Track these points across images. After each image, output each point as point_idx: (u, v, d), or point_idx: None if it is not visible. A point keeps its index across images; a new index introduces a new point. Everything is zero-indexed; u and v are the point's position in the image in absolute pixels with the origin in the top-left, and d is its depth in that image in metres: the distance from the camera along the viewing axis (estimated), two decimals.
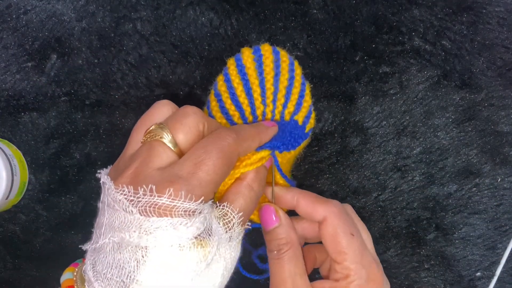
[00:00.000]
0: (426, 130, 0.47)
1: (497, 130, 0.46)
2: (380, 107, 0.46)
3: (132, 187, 0.25)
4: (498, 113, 0.46)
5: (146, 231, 0.24)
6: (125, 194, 0.25)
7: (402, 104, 0.47)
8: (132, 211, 0.24)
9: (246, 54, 0.36)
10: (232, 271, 0.29)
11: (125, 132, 0.47)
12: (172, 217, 0.24)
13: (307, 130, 0.37)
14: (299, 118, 0.37)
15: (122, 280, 0.24)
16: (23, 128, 0.46)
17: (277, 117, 0.36)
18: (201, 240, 0.25)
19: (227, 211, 0.29)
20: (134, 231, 0.24)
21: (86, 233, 0.47)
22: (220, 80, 0.37)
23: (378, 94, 0.46)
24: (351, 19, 0.46)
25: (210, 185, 0.26)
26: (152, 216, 0.24)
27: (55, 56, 0.46)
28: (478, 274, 0.47)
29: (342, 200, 0.46)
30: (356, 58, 0.46)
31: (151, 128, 0.28)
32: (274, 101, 0.36)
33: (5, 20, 0.46)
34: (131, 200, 0.24)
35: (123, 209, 0.24)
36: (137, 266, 0.24)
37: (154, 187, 0.24)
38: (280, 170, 0.35)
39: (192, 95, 0.46)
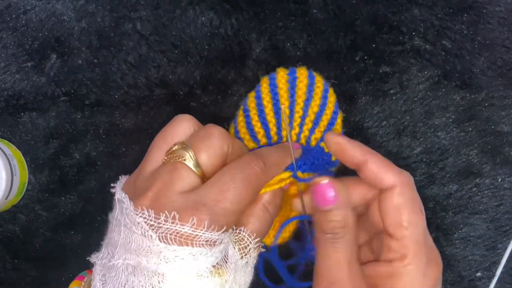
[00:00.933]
0: (426, 130, 0.47)
1: (497, 130, 0.46)
2: (380, 107, 0.46)
3: (153, 211, 0.24)
4: (499, 113, 0.46)
5: (165, 259, 0.23)
6: (145, 218, 0.24)
7: (402, 104, 0.46)
8: (151, 236, 0.23)
9: (281, 75, 0.36)
10: None
11: (125, 132, 0.47)
12: (193, 246, 0.23)
13: (333, 158, 0.35)
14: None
15: None
16: (22, 128, 0.46)
17: (302, 141, 0.34)
18: (218, 269, 0.25)
19: (244, 236, 0.27)
20: (152, 258, 0.23)
21: (86, 233, 0.47)
22: (251, 96, 0.37)
23: (378, 94, 0.46)
24: (351, 19, 0.46)
25: (234, 215, 0.25)
26: (173, 244, 0.23)
27: (55, 56, 0.46)
28: (479, 274, 0.47)
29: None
30: (356, 58, 0.46)
31: (174, 148, 0.27)
32: (301, 125, 0.35)
33: (4, 20, 0.46)
34: (151, 225, 0.23)
35: (142, 233, 0.23)
36: None
37: (177, 215, 0.23)
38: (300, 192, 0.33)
39: (192, 95, 0.46)
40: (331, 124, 0.36)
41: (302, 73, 0.36)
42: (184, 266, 0.23)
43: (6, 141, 0.46)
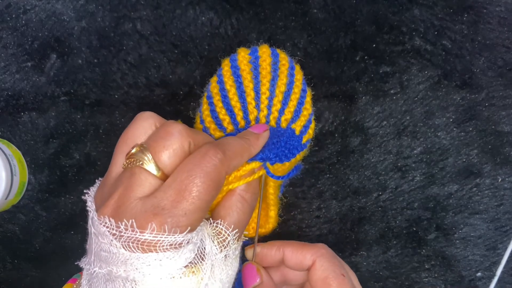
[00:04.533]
0: (426, 130, 0.46)
1: (497, 130, 0.46)
2: (381, 107, 0.46)
3: (113, 219, 0.23)
4: (499, 113, 0.46)
5: (133, 266, 0.22)
6: (107, 227, 0.23)
7: (402, 104, 0.46)
8: (116, 245, 0.23)
9: (242, 55, 0.33)
10: (231, 287, 0.28)
11: None
12: (157, 252, 0.23)
13: (304, 140, 0.33)
14: (297, 127, 0.33)
15: None
16: (22, 128, 0.46)
17: (272, 123, 0.32)
18: (192, 267, 0.24)
19: (221, 229, 0.27)
20: (121, 266, 0.23)
21: (86, 234, 0.47)
22: (213, 81, 0.34)
23: (378, 94, 0.46)
24: (351, 19, 0.46)
25: (197, 213, 0.24)
26: (137, 251, 0.22)
27: (55, 55, 0.46)
28: (479, 274, 0.47)
29: (343, 200, 0.46)
30: (356, 58, 0.46)
31: (132, 151, 0.26)
32: (269, 106, 0.32)
33: (4, 20, 0.46)
34: (114, 234, 0.23)
35: (108, 242, 0.23)
36: None
37: (134, 222, 0.22)
38: (273, 176, 0.32)
39: (192, 94, 0.46)
40: (300, 103, 0.34)
41: (264, 51, 0.34)
42: (152, 272, 0.23)
43: (6, 141, 0.46)
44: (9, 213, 0.47)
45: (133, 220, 0.22)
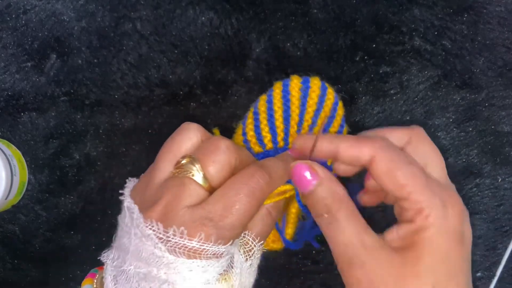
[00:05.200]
0: (426, 130, 0.46)
1: (497, 130, 0.46)
2: (381, 107, 0.46)
3: (161, 224, 0.24)
4: (499, 113, 0.46)
5: (175, 270, 0.24)
6: (154, 230, 0.24)
7: (402, 104, 0.46)
8: (161, 248, 0.24)
9: (294, 82, 0.36)
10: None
11: (125, 132, 0.47)
12: (201, 259, 0.24)
13: (334, 171, 0.35)
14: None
15: None
16: (22, 128, 0.46)
17: None
18: (225, 275, 0.26)
19: (248, 240, 0.29)
20: (162, 268, 0.24)
21: (86, 233, 0.47)
22: (262, 99, 0.36)
23: (378, 94, 0.46)
24: (351, 19, 0.46)
25: (239, 229, 0.26)
26: (182, 257, 0.24)
27: (55, 56, 0.46)
28: (479, 274, 0.47)
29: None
30: (356, 58, 0.46)
31: (182, 162, 0.27)
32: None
33: (4, 20, 0.46)
34: (160, 238, 0.24)
35: (152, 245, 0.24)
36: None
37: (185, 231, 0.24)
38: (299, 202, 0.33)
39: (192, 95, 0.46)
40: None
41: (315, 83, 0.36)
42: (192, 277, 0.24)
43: (6, 141, 0.46)
44: (9, 213, 0.47)
45: (184, 228, 0.24)
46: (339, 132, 0.36)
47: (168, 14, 0.46)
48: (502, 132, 0.46)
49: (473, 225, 0.46)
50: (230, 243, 0.25)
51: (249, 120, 0.36)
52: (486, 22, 0.46)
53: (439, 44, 0.46)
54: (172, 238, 0.24)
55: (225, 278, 0.26)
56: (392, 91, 0.46)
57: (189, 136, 0.28)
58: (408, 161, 0.27)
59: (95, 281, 0.28)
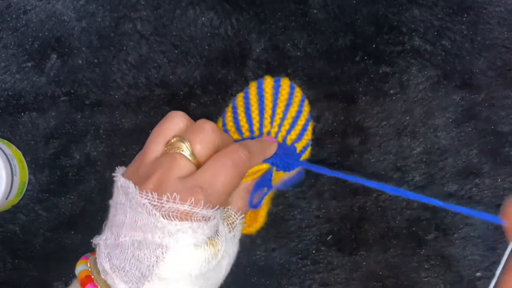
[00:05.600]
0: (426, 130, 0.47)
1: (497, 130, 0.46)
2: (380, 107, 0.46)
3: (156, 193, 0.28)
4: (498, 113, 0.46)
5: (169, 233, 0.27)
6: (149, 199, 0.27)
7: (402, 104, 0.47)
8: (155, 215, 0.27)
9: (268, 81, 0.42)
10: (232, 264, 0.32)
11: (125, 132, 0.47)
12: (192, 222, 0.27)
13: (301, 158, 0.42)
14: (298, 146, 0.41)
15: (141, 272, 0.27)
16: (22, 128, 0.46)
17: (279, 139, 0.40)
18: (212, 240, 0.29)
19: (231, 213, 0.33)
20: (157, 232, 0.27)
21: (86, 233, 0.47)
22: (239, 96, 0.43)
23: (378, 94, 0.46)
24: (351, 19, 0.46)
25: (224, 195, 0.30)
26: (174, 220, 0.27)
27: (55, 56, 0.46)
28: (478, 274, 0.47)
29: (343, 200, 0.46)
30: (356, 58, 0.46)
31: (172, 141, 0.31)
32: (280, 125, 0.40)
33: (5, 20, 0.46)
34: (155, 205, 0.27)
35: (147, 212, 0.27)
36: (156, 261, 0.27)
37: (178, 197, 0.27)
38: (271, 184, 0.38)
39: (192, 95, 0.46)
40: (304, 129, 0.42)
41: (285, 82, 0.43)
42: (184, 238, 0.27)
43: (6, 141, 0.46)
44: (10, 213, 0.47)
45: (176, 194, 0.27)
46: (305, 125, 0.42)
47: (168, 14, 0.46)
48: (502, 132, 0.46)
49: (472, 224, 0.47)
50: (216, 208, 0.29)
51: (228, 114, 0.42)
52: (486, 23, 0.46)
53: (439, 44, 0.46)
54: (166, 204, 0.27)
55: (212, 244, 0.29)
56: (392, 91, 0.46)
57: (176, 121, 0.32)
58: None
59: (88, 262, 0.31)
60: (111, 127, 0.47)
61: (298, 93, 0.42)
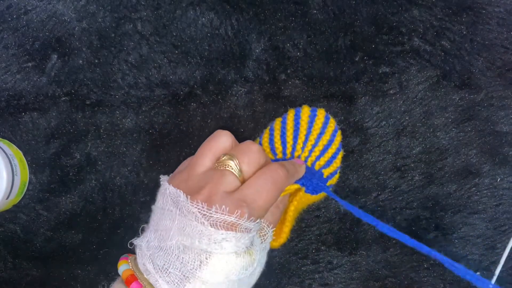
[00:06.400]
0: (425, 130, 0.47)
1: (496, 130, 0.46)
2: (380, 107, 0.47)
3: (205, 204, 0.30)
4: (498, 113, 0.47)
5: (215, 240, 0.30)
6: (199, 209, 0.30)
7: (401, 104, 0.47)
8: (204, 223, 0.30)
9: (305, 110, 0.45)
10: (261, 272, 0.35)
11: (125, 132, 0.47)
12: (236, 232, 0.30)
13: (328, 183, 0.45)
14: (326, 172, 0.44)
15: (183, 274, 0.30)
16: (23, 128, 0.47)
17: (308, 163, 0.43)
18: (249, 250, 0.32)
19: (264, 226, 0.36)
20: (204, 239, 0.30)
21: (86, 233, 0.47)
22: (277, 120, 0.46)
23: (377, 94, 0.47)
24: (351, 20, 0.46)
25: (265, 210, 0.33)
26: (221, 229, 0.30)
27: (56, 56, 0.46)
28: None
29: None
30: (356, 58, 0.46)
31: (222, 158, 0.34)
32: (310, 151, 0.43)
33: (5, 20, 0.46)
34: (204, 215, 0.30)
35: (196, 220, 0.30)
36: (199, 265, 0.30)
37: (226, 208, 0.30)
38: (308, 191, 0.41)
39: (192, 95, 0.46)
40: (333, 157, 0.44)
41: (321, 113, 0.45)
42: (228, 246, 0.30)
43: (7, 141, 0.46)
44: (10, 212, 0.47)
45: (225, 206, 0.30)
46: (335, 153, 0.45)
47: (169, 15, 0.46)
48: (501, 132, 0.47)
49: (472, 224, 0.47)
50: (257, 221, 0.32)
51: (265, 135, 0.46)
52: (485, 23, 0.46)
53: (438, 44, 0.46)
54: (214, 214, 0.30)
55: (250, 253, 0.32)
56: (391, 91, 0.47)
57: (224, 140, 0.35)
58: None
59: (129, 262, 0.33)
60: (112, 127, 0.47)
61: (332, 123, 0.45)
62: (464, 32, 0.46)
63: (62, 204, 0.47)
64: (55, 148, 0.47)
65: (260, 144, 0.46)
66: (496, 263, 0.47)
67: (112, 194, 0.47)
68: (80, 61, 0.46)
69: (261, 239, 0.35)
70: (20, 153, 0.46)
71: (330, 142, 0.45)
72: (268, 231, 0.36)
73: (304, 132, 0.45)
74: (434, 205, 0.47)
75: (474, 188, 0.47)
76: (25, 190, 0.46)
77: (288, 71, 0.47)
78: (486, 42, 0.46)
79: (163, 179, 0.35)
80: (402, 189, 0.47)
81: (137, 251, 0.33)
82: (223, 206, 0.30)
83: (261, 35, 0.46)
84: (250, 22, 0.46)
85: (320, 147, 0.44)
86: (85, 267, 0.47)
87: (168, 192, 0.32)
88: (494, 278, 0.47)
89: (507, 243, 0.47)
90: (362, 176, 0.47)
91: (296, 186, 0.39)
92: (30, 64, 0.46)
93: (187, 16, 0.46)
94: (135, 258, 0.33)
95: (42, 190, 0.47)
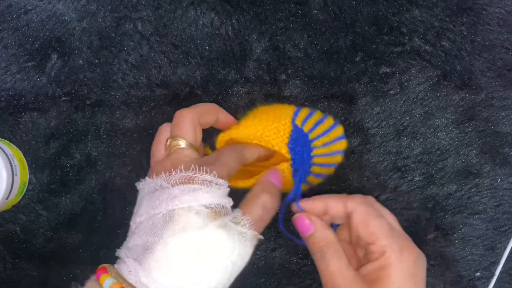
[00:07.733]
0: (426, 130, 0.47)
1: (497, 131, 0.47)
2: (380, 107, 0.47)
3: (168, 172, 0.32)
4: (498, 114, 0.47)
5: (174, 195, 0.30)
6: (163, 178, 0.32)
7: (402, 105, 0.47)
8: (167, 187, 0.31)
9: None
10: (241, 268, 0.33)
11: (126, 132, 0.47)
12: (193, 184, 0.31)
13: (309, 178, 0.42)
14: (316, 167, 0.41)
15: (147, 244, 0.30)
16: (23, 128, 0.46)
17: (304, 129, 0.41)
18: (215, 213, 0.31)
19: (237, 215, 0.35)
20: (165, 200, 0.30)
21: (86, 233, 0.47)
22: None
23: (378, 94, 0.47)
24: (351, 20, 0.46)
25: (226, 168, 0.33)
26: (179, 185, 0.31)
27: (56, 56, 0.46)
28: (478, 274, 0.47)
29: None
30: (356, 59, 0.46)
31: (168, 144, 0.35)
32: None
33: (5, 20, 0.46)
34: (167, 180, 0.31)
35: (160, 189, 0.31)
36: (164, 227, 0.30)
37: (182, 166, 0.31)
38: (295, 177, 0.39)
39: (193, 95, 0.46)
40: (329, 129, 0.42)
41: (339, 130, 0.42)
42: (186, 199, 0.30)
43: (6, 141, 0.46)
44: (10, 213, 0.47)
45: (182, 166, 0.32)
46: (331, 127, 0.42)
47: (169, 15, 0.46)
48: (502, 133, 0.47)
49: (472, 225, 0.47)
50: (213, 173, 0.32)
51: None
52: (486, 23, 0.46)
53: (438, 45, 0.46)
54: (175, 175, 0.31)
55: (215, 214, 0.31)
56: (392, 92, 0.47)
57: (164, 129, 0.36)
58: (379, 215, 0.35)
59: (110, 274, 0.31)
60: (112, 127, 0.47)
61: (340, 130, 0.43)
62: (465, 33, 0.46)
63: (62, 205, 0.47)
64: (55, 148, 0.47)
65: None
66: (496, 263, 0.47)
67: (112, 194, 0.47)
68: (80, 61, 0.46)
69: (236, 224, 0.32)
70: (20, 153, 0.46)
71: (331, 128, 0.42)
72: (242, 219, 0.33)
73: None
74: (435, 205, 0.47)
75: (474, 189, 0.47)
76: (25, 190, 0.46)
77: (289, 71, 0.47)
78: (487, 43, 0.46)
79: (139, 182, 0.36)
80: (403, 189, 0.47)
81: (118, 261, 0.32)
82: (180, 166, 0.32)
83: (261, 35, 0.46)
84: (250, 22, 0.46)
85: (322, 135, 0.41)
86: (85, 267, 0.47)
87: (140, 187, 0.34)
88: (494, 278, 0.47)
89: (507, 243, 0.47)
90: (362, 176, 0.47)
91: (287, 165, 0.38)
92: (30, 64, 0.46)
93: (187, 16, 0.46)
94: (115, 268, 0.32)
95: (42, 190, 0.47)
